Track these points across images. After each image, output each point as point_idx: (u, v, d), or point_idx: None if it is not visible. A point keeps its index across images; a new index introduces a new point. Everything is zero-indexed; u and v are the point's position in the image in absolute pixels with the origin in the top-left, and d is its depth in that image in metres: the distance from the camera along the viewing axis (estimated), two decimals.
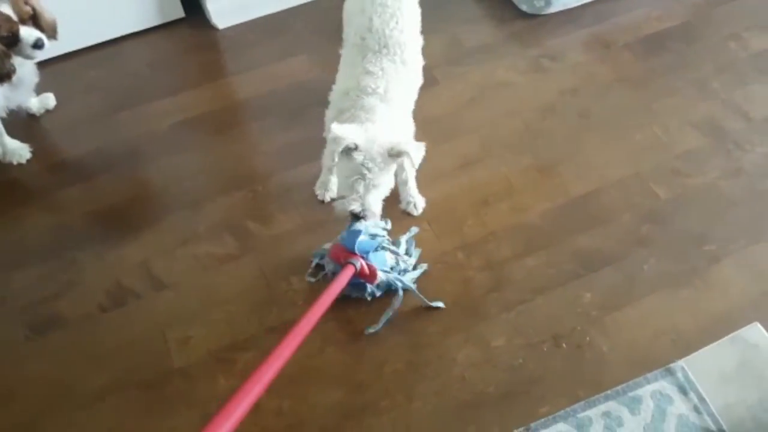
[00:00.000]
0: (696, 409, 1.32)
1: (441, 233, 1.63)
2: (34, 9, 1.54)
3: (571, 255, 1.57)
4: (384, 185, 1.40)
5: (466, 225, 1.64)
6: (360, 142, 1.33)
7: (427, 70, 1.96)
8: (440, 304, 1.50)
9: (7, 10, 1.50)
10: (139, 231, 1.68)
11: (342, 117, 1.44)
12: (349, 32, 1.58)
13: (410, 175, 1.61)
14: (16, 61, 1.56)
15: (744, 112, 1.83)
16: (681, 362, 1.39)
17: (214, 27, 2.16)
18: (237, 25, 2.17)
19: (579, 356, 1.42)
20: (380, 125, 1.39)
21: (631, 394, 1.35)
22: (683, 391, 1.34)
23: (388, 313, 1.46)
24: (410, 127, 1.55)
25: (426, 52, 1.97)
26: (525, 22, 2.11)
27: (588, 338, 1.45)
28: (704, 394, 1.34)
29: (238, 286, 1.56)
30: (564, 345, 1.44)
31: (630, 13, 2.11)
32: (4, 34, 1.49)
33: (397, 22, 1.49)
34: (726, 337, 1.42)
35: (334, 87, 1.56)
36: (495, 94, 1.92)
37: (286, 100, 1.96)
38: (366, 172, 1.34)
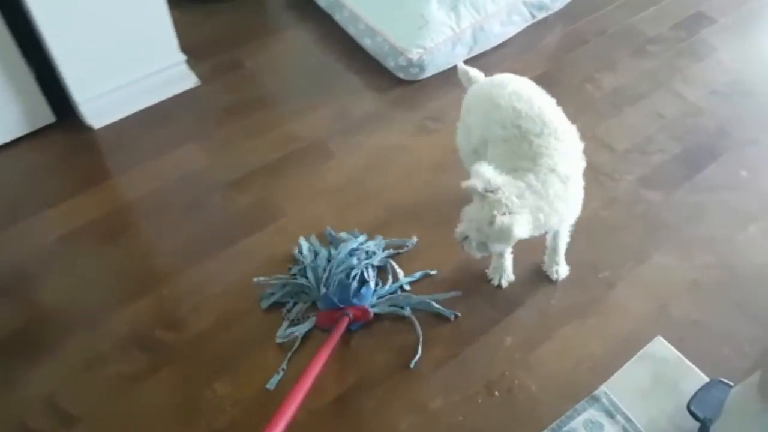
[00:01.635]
0: (625, 430, 1.41)
1: None
2: None
3: (487, 301, 1.64)
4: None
5: None
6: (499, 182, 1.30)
7: (321, 144, 2.01)
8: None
9: None
10: (38, 361, 1.55)
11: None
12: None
13: (561, 242, 1.59)
14: None
15: (608, 145, 2.04)
16: (603, 387, 1.48)
17: (89, 128, 2.08)
18: (114, 123, 2.10)
19: (512, 401, 1.48)
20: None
21: (565, 428, 1.41)
22: (610, 415, 1.43)
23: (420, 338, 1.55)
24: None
25: (318, 124, 2.02)
26: (404, 88, 2.22)
27: (516, 381, 1.51)
28: (629, 414, 1.44)
29: (158, 405, 1.47)
30: (496, 392, 1.49)
31: (496, 69, 2.27)
32: None
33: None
34: (636, 356, 1.54)
35: None
36: (390, 158, 2.00)
37: (178, 193, 1.92)
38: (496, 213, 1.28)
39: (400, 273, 1.69)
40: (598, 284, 1.70)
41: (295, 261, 1.72)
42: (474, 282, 1.69)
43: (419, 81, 2.23)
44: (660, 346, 1.56)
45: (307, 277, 1.64)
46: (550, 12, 2.44)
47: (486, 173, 1.31)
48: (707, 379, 1.46)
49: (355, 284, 1.59)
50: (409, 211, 1.85)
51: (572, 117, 1.45)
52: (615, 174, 1.96)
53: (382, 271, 1.70)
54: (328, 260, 1.66)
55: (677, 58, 2.33)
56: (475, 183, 1.30)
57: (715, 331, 1.60)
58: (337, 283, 1.59)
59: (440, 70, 2.24)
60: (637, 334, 1.59)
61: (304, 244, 1.73)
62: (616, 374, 1.51)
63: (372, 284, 1.62)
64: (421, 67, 2.17)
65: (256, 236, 1.79)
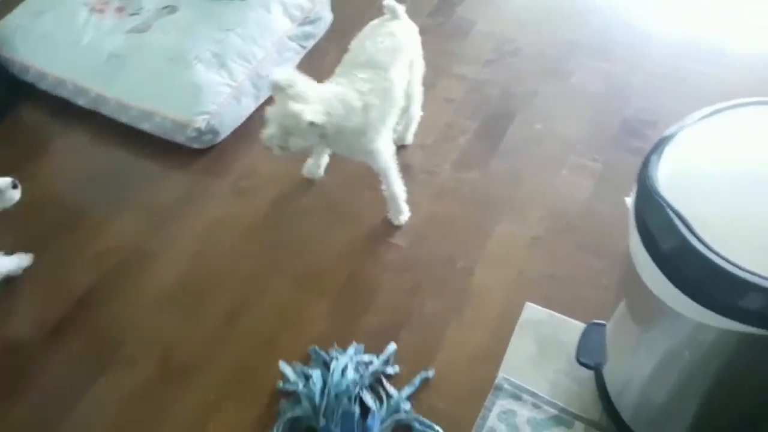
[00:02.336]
0: (535, 406, 1.45)
1: (242, 400, 1.53)
2: None
3: (368, 339, 1.60)
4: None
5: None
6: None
7: (138, 248, 1.85)
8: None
9: None
10: None
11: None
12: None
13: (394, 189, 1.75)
14: None
15: (417, 144, 2.09)
16: (500, 374, 1.51)
17: None
18: None
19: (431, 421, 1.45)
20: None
21: (484, 430, 1.42)
22: (517, 398, 1.46)
23: None
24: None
25: (127, 229, 1.85)
26: (205, 157, 2.11)
27: (425, 406, 1.48)
28: (531, 389, 1.48)
29: None
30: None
31: None
32: None
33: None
34: (515, 330, 1.59)
35: None
36: (218, 234, 1.89)
37: None
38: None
39: (390, 387, 1.49)
40: (458, 276, 1.73)
41: (284, 393, 1.51)
42: (349, 325, 1.64)
43: (217, 145, 2.14)
44: (531, 311, 1.62)
45: (302, 406, 1.43)
46: (317, 38, 2.46)
47: (290, 72, 1.50)
48: (583, 325, 1.54)
49: (357, 412, 1.40)
50: (261, 281, 1.76)
51: None
52: (433, 168, 2.02)
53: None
54: (324, 382, 1.45)
55: (446, 43, 2.46)
56: (279, 77, 1.47)
57: (572, 277, 1.70)
58: (341, 415, 1.38)
59: (235, 126, 2.16)
60: (508, 308, 1.64)
61: (288, 370, 1.52)
62: (505, 355, 1.55)
63: (375, 409, 1.42)
64: (214, 132, 2.08)
65: (101, 382, 1.59)
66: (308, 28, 2.41)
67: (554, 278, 1.70)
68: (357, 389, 1.44)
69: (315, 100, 1.48)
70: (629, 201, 1.10)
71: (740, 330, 0.92)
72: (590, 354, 1.45)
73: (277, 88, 1.48)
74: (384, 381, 1.51)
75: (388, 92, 1.65)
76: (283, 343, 1.62)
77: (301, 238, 1.87)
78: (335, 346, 1.56)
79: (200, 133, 2.06)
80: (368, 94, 1.59)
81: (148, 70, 2.13)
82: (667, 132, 1.09)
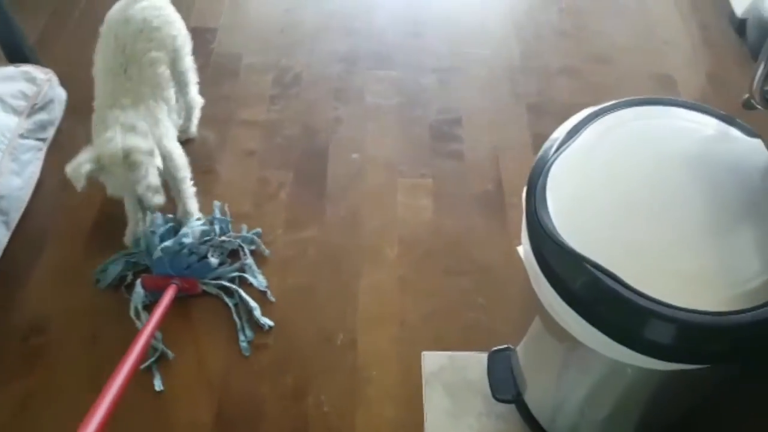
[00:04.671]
0: None
1: None
2: None
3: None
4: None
5: None
6: None
7: None
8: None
9: None
10: None
11: None
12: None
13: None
14: None
15: (238, 213, 1.85)
16: None
17: None
18: None
19: None
20: None
21: None
22: None
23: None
24: None
25: None
26: None
27: None
28: None
29: None
30: None
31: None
32: None
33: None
34: (424, 389, 1.49)
35: None
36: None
37: None
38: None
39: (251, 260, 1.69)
40: (342, 354, 1.57)
41: None
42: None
43: None
44: (430, 360, 1.55)
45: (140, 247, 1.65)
46: (56, 123, 2.04)
47: (72, 166, 1.44)
48: (484, 356, 1.49)
49: (194, 258, 1.62)
50: None
51: None
52: (265, 238, 1.80)
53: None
54: (175, 233, 1.65)
55: (218, 88, 2.22)
56: (70, 172, 1.42)
57: (450, 307, 1.65)
58: (174, 252, 1.59)
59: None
60: (407, 367, 1.54)
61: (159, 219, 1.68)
62: (426, 417, 1.45)
63: (213, 261, 1.64)
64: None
65: None
66: (41, 116, 1.97)
67: (435, 314, 1.64)
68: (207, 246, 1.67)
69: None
70: (521, 250, 1.04)
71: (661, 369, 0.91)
72: (504, 386, 1.41)
73: (80, 177, 1.42)
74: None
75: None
76: None
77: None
78: None
79: None
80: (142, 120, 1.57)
81: None
82: (540, 161, 1.03)
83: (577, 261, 0.88)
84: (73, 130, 2.04)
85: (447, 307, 1.64)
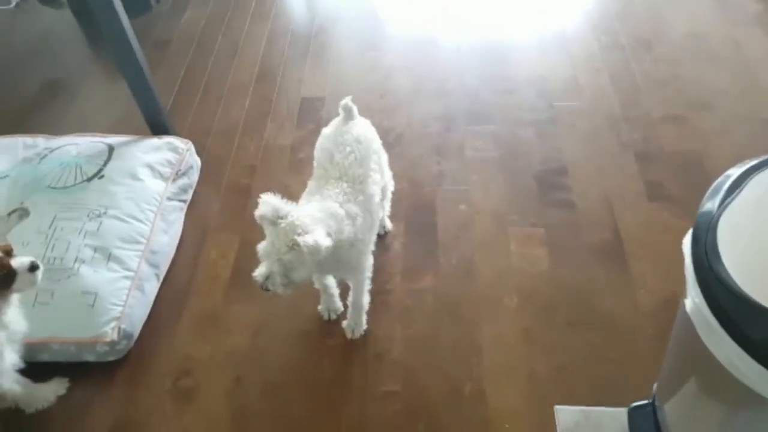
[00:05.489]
0: None
1: None
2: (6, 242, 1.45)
3: None
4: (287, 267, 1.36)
5: None
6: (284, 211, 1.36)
7: None
8: None
9: None
10: None
11: None
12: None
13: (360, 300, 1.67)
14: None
15: None
16: None
17: None
18: None
19: None
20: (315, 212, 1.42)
21: None
22: None
23: None
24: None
25: None
26: (124, 367, 1.75)
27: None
28: None
29: None
30: None
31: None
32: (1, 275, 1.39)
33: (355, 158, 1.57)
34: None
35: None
36: None
37: None
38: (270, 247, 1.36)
39: None
40: (472, 404, 1.58)
41: None
42: None
43: (132, 348, 1.79)
44: (564, 415, 1.53)
45: None
46: (194, 186, 2.21)
47: (273, 201, 1.37)
48: (620, 411, 1.47)
49: None
50: None
51: None
52: (385, 287, 1.85)
53: None
54: None
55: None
56: (265, 210, 1.35)
57: (580, 361, 1.63)
58: None
59: (143, 321, 1.83)
60: (541, 420, 1.53)
61: None
62: None
63: None
64: (128, 337, 1.75)
65: None
66: (183, 181, 2.15)
67: (564, 368, 1.62)
68: None
69: (310, 224, 1.37)
70: (689, 303, 1.04)
71: None
72: None
73: (267, 222, 1.37)
74: None
75: (368, 203, 1.57)
76: None
77: (287, 422, 1.60)
78: None
79: (113, 344, 1.71)
80: (347, 203, 1.51)
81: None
82: (705, 215, 1.03)
83: (765, 315, 0.88)
84: (205, 193, 2.22)
85: (576, 361, 1.63)
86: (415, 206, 2.09)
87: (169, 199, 2.06)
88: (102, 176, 1.99)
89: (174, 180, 2.10)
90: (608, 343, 1.65)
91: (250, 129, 2.44)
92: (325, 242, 1.36)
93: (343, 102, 1.66)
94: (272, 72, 2.69)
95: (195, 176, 2.23)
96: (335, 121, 1.69)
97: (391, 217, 2.04)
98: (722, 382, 1.00)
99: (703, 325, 0.98)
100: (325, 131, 1.69)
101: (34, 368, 1.68)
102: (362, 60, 2.73)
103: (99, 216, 1.89)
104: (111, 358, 1.74)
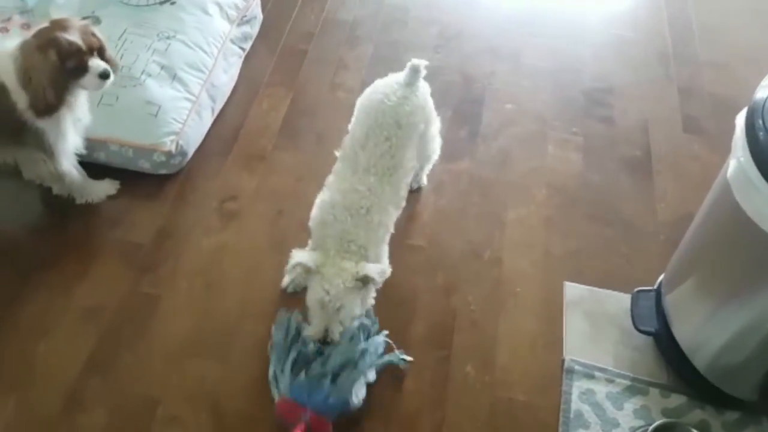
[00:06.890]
0: (608, 381, 1.50)
1: None
2: (100, 42, 1.57)
3: (423, 347, 1.54)
4: (349, 309, 1.35)
5: None
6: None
7: (134, 295, 1.67)
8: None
9: (77, 39, 1.49)
10: None
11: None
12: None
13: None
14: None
15: None
16: (566, 356, 1.54)
17: None
18: None
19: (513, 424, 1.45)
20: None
21: (572, 415, 1.44)
22: (590, 377, 1.50)
23: None
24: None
25: (118, 279, 1.64)
26: (175, 182, 1.87)
27: (507, 398, 1.48)
28: (599, 365, 1.52)
29: None
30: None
31: (251, 118, 2.09)
32: (73, 65, 1.50)
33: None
34: (565, 311, 1.62)
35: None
36: (220, 263, 1.70)
37: None
38: (325, 295, 1.31)
39: None
40: (489, 267, 1.73)
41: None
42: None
43: (184, 168, 1.91)
44: (572, 290, 1.67)
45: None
46: (253, 39, 2.28)
47: (304, 257, 1.35)
48: (623, 295, 1.61)
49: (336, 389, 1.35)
50: (290, 302, 1.61)
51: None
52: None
53: None
54: (319, 353, 1.40)
55: (388, 34, 2.39)
56: (305, 261, 1.34)
57: (594, 250, 1.77)
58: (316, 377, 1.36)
59: (198, 144, 1.95)
60: (549, 290, 1.68)
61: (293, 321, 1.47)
62: (565, 338, 1.58)
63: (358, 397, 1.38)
64: (183, 154, 1.87)
65: None
66: (246, 29, 2.23)
67: (578, 253, 1.76)
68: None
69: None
70: (732, 165, 1.16)
71: None
72: (646, 321, 1.53)
73: (309, 270, 1.35)
74: None
75: (393, 196, 1.49)
76: None
77: None
78: None
79: (169, 156, 1.83)
80: (371, 212, 1.43)
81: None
82: (759, 99, 1.14)
83: None
84: (260, 51, 2.28)
85: (590, 249, 1.77)
86: (463, 99, 2.18)
87: (232, 42, 2.13)
88: (174, 2, 2.06)
89: (238, 25, 2.17)
90: (622, 239, 1.78)
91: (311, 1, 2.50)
92: (380, 277, 1.38)
93: (413, 62, 1.53)
94: None
95: (256, 28, 2.30)
96: (393, 78, 1.56)
97: (439, 106, 2.12)
98: (748, 239, 1.13)
99: (742, 184, 1.10)
100: (378, 84, 1.57)
101: (89, 168, 1.81)
102: None
103: (168, 38, 1.97)
104: (163, 171, 1.86)
